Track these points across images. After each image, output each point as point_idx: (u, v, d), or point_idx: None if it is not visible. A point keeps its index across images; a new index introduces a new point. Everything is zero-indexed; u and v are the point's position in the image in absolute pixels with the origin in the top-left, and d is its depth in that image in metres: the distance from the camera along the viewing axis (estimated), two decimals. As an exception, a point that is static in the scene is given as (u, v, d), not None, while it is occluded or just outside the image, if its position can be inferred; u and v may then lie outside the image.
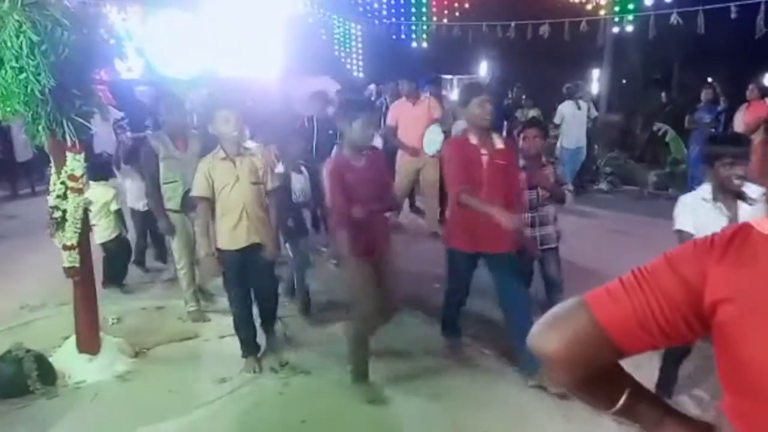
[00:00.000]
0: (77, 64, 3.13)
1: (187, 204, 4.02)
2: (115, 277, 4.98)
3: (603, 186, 9.80)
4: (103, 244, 4.86)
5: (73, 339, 3.63)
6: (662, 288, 0.88)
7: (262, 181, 3.66)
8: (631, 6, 9.20)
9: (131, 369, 3.65)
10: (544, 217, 3.93)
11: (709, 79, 17.58)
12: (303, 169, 4.59)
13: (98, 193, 4.65)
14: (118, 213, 4.93)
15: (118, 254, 4.98)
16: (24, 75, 2.92)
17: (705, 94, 8.61)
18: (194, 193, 3.53)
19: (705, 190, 2.87)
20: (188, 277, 4.38)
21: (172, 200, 4.21)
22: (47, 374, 3.39)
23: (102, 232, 4.79)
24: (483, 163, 3.40)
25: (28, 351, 3.39)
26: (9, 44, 2.88)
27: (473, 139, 3.42)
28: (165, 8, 13.83)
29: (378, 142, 6.26)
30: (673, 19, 7.30)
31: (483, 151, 3.40)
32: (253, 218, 3.56)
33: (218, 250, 3.57)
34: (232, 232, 3.52)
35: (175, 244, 4.35)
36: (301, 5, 12.98)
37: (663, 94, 13.07)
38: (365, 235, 3.18)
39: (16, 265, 5.81)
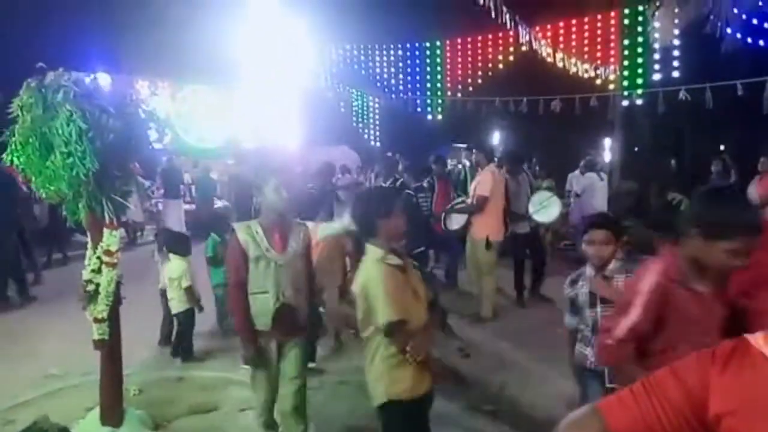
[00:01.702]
0: (119, 147, 3.36)
1: (281, 322, 3.09)
2: (181, 347, 5.08)
3: (618, 255, 9.78)
4: (176, 315, 5.06)
5: (96, 411, 3.67)
6: (668, 397, 0.97)
7: None
8: (639, 81, 9.57)
9: (153, 442, 3.66)
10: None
11: (721, 147, 17.81)
12: None
13: (172, 267, 4.96)
14: (189, 290, 5.03)
15: (186, 327, 5.09)
16: (71, 159, 3.14)
17: (715, 165, 8.76)
18: (393, 316, 2.39)
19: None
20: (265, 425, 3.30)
21: (260, 318, 3.08)
22: (71, 447, 3.42)
23: (175, 303, 5.02)
24: None
25: (53, 424, 3.44)
26: (60, 131, 3.12)
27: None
28: (192, 84, 14.64)
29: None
30: (682, 95, 7.54)
31: None
32: None
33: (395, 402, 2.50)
34: (420, 371, 2.50)
35: (253, 380, 3.22)
36: (321, 80, 13.59)
37: (673, 162, 13.25)
38: None
39: (39, 331, 5.94)
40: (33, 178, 3.35)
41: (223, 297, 5.51)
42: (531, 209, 6.67)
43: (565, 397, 3.80)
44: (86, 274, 3.51)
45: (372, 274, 2.46)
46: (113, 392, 3.60)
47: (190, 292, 5.02)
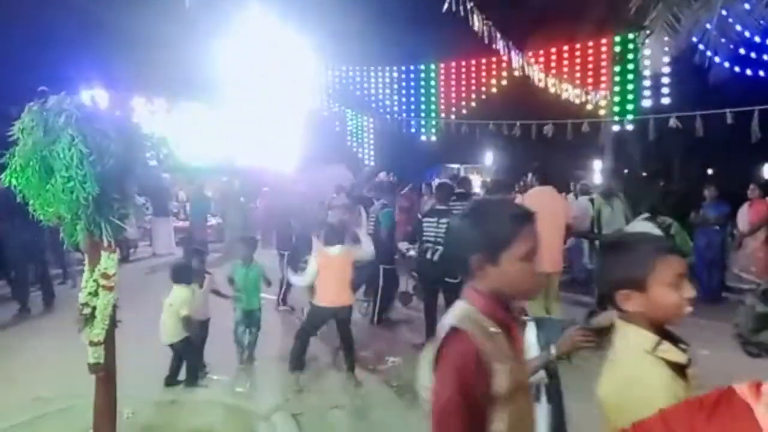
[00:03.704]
0: (119, 171, 3.37)
1: None
2: (175, 376, 4.97)
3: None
4: (171, 345, 4.93)
5: (89, 434, 3.64)
6: None
7: None
8: (630, 107, 9.75)
9: (145, 467, 3.63)
10: None
11: (709, 171, 18.04)
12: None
13: (174, 295, 4.91)
14: (187, 319, 4.91)
15: (185, 355, 4.98)
16: (72, 183, 3.15)
17: (709, 191, 8.86)
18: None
19: None
20: None
21: None
22: (62, 472, 3.38)
23: (170, 332, 4.89)
24: None
25: (45, 448, 3.40)
26: (62, 156, 3.13)
27: None
28: (187, 101, 14.69)
29: None
30: (672, 123, 7.68)
31: None
32: None
33: None
34: None
35: None
36: (317, 100, 13.70)
37: (662, 184, 13.42)
38: None
39: (25, 353, 5.88)
40: (31, 201, 3.36)
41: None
42: None
43: None
44: (83, 297, 3.50)
45: (646, 376, 1.44)
46: (108, 416, 3.57)
47: (187, 321, 4.91)
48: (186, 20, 12.29)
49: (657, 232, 5.13)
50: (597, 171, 15.60)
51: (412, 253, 6.83)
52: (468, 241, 1.49)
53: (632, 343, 1.49)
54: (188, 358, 4.99)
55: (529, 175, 6.39)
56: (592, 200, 8.74)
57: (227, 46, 13.00)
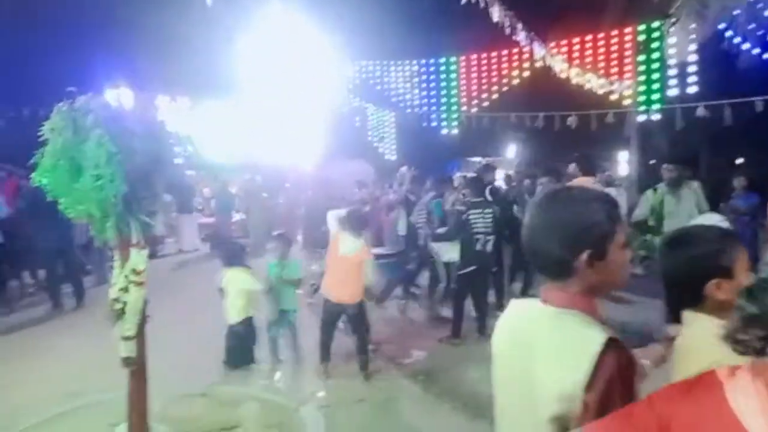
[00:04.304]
0: (147, 169, 3.44)
1: None
2: (241, 359, 5.09)
3: (638, 270, 9.70)
4: (231, 326, 5.05)
5: (122, 427, 3.72)
6: (645, 426, 1.02)
7: None
8: (655, 97, 9.56)
9: (177, 459, 3.71)
10: None
11: (738, 161, 17.60)
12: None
13: (231, 278, 5.01)
14: (252, 299, 5.05)
15: (246, 337, 5.10)
16: (101, 182, 3.22)
17: (738, 182, 8.66)
18: None
19: None
20: None
21: None
22: (97, 464, 3.47)
23: (231, 312, 5.02)
24: None
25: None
26: (90, 155, 3.20)
27: None
28: (211, 99, 14.86)
29: None
30: (700, 112, 7.51)
31: None
32: None
33: None
34: None
35: None
36: (337, 95, 13.73)
37: (691, 175, 13.13)
38: None
39: (57, 349, 6.04)
40: (61, 199, 3.44)
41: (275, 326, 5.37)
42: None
43: None
44: (114, 293, 3.57)
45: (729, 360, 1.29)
46: (139, 409, 3.65)
47: (254, 300, 5.05)
48: (208, 18, 12.42)
49: (725, 224, 4.93)
50: (622, 162, 15.33)
51: (449, 254, 6.65)
52: (570, 238, 1.32)
53: (707, 332, 1.43)
54: (245, 341, 5.07)
55: (571, 165, 6.24)
56: (655, 189, 8.44)
57: (248, 43, 13.10)
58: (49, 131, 3.33)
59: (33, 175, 3.37)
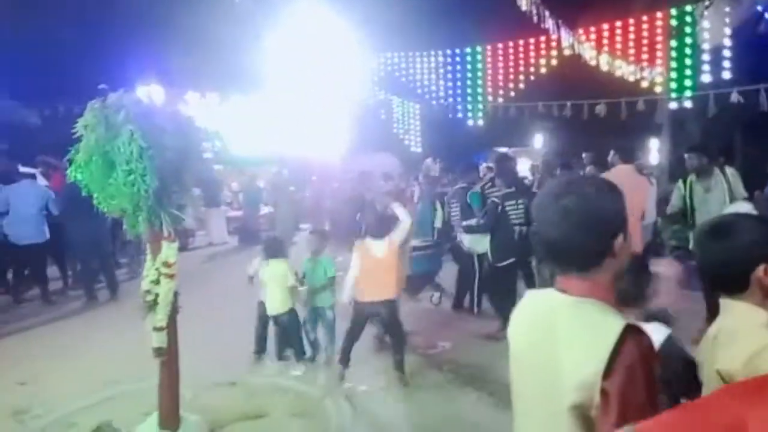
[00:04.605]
0: (177, 163, 3.51)
1: None
2: (289, 348, 5.18)
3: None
4: (275, 318, 5.13)
5: (154, 416, 3.83)
6: (721, 420, 0.92)
7: None
8: (688, 83, 9.31)
9: (208, 447, 3.80)
10: None
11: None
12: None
13: (273, 269, 5.08)
14: (293, 290, 5.12)
15: (290, 327, 5.17)
16: (132, 176, 3.30)
17: (773, 169, 8.42)
18: None
19: None
20: None
21: None
22: (132, 451, 3.59)
23: (274, 303, 5.09)
24: None
25: (115, 429, 3.62)
26: (122, 150, 3.29)
27: None
28: (238, 93, 15.05)
29: None
30: (734, 97, 7.29)
31: None
32: None
33: None
34: None
35: None
36: (363, 88, 13.74)
37: (723, 162, 12.75)
38: None
39: (94, 340, 6.24)
40: (96, 194, 3.54)
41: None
42: None
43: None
44: (145, 285, 3.67)
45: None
46: (171, 398, 3.76)
47: (294, 291, 5.10)
48: (236, 15, 12.56)
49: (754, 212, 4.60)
50: (653, 150, 14.98)
51: (480, 245, 6.57)
52: (606, 225, 1.36)
53: (748, 319, 1.57)
54: (292, 331, 5.14)
55: (611, 152, 6.13)
56: (685, 180, 8.21)
57: (275, 38, 13.21)
58: (83, 128, 3.43)
59: (68, 171, 3.49)
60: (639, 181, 5.78)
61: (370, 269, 4.91)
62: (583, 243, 1.34)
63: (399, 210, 5.15)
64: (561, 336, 1.34)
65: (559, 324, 1.36)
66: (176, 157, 3.48)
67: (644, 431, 0.99)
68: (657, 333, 2.31)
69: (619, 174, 5.60)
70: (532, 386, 1.43)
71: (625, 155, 5.88)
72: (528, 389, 1.45)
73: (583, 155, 9.70)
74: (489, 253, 6.24)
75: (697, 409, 1.01)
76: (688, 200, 5.86)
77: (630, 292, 2.30)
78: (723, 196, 5.60)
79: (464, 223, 6.80)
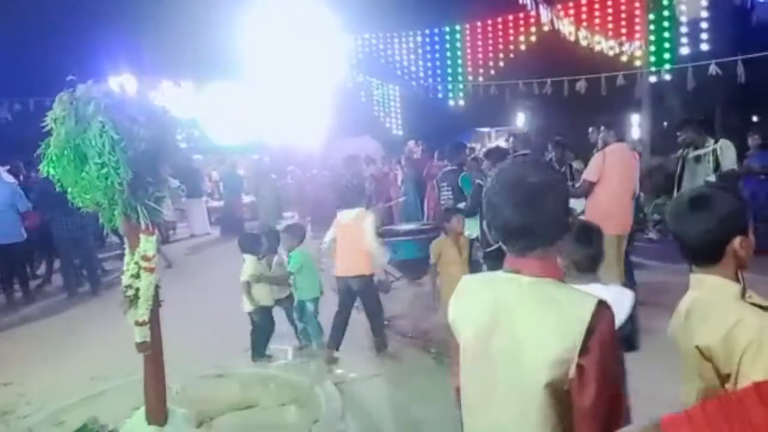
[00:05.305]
0: (151, 155, 3.42)
1: None
2: (258, 346, 5.07)
3: (652, 235, 9.63)
4: (249, 314, 5.03)
5: (141, 410, 3.79)
6: (752, 422, 0.86)
7: None
8: (667, 56, 9.32)
9: (197, 440, 3.77)
10: None
11: (754, 119, 17.20)
12: None
13: (246, 266, 4.98)
14: (246, 285, 4.98)
15: (255, 325, 5.07)
16: (105, 169, 3.21)
17: (752, 140, 8.48)
18: None
19: None
20: None
21: None
22: (119, 447, 3.55)
23: (245, 300, 4.99)
24: None
25: (102, 425, 3.57)
26: (93, 143, 3.19)
27: None
28: (215, 81, 14.80)
29: None
30: (712, 69, 7.32)
31: None
32: None
33: None
34: None
35: None
36: (341, 71, 13.58)
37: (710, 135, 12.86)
38: None
39: (78, 336, 6.15)
40: (69, 189, 3.45)
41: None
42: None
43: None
44: (126, 280, 3.60)
45: (748, 317, 1.49)
46: (157, 392, 3.70)
47: (246, 288, 4.97)
48: (209, 1, 12.30)
49: None
50: (634, 125, 15.05)
51: (470, 230, 6.51)
52: (565, 203, 1.45)
53: (721, 292, 1.57)
54: (256, 329, 5.05)
55: (601, 128, 6.10)
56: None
57: (250, 22, 12.96)
58: (52, 121, 3.32)
59: (40, 166, 3.38)
60: (634, 158, 5.75)
61: (341, 240, 4.97)
62: (546, 223, 1.36)
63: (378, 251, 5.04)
64: (523, 317, 1.35)
65: (520, 305, 1.36)
66: (150, 148, 3.39)
67: (672, 426, 0.96)
68: (625, 297, 2.43)
69: (618, 153, 5.54)
70: (495, 371, 1.39)
71: (614, 131, 5.84)
72: (491, 374, 1.40)
73: (601, 128, 9.62)
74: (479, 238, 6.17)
75: (734, 402, 0.97)
76: (677, 177, 5.96)
77: (582, 262, 2.43)
78: (709, 167, 5.68)
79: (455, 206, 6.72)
